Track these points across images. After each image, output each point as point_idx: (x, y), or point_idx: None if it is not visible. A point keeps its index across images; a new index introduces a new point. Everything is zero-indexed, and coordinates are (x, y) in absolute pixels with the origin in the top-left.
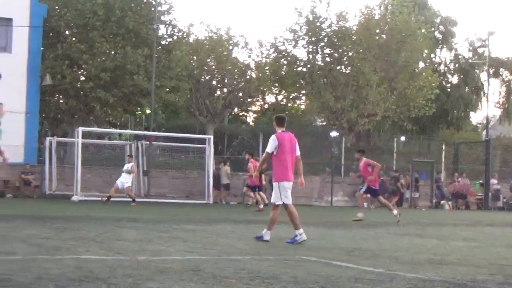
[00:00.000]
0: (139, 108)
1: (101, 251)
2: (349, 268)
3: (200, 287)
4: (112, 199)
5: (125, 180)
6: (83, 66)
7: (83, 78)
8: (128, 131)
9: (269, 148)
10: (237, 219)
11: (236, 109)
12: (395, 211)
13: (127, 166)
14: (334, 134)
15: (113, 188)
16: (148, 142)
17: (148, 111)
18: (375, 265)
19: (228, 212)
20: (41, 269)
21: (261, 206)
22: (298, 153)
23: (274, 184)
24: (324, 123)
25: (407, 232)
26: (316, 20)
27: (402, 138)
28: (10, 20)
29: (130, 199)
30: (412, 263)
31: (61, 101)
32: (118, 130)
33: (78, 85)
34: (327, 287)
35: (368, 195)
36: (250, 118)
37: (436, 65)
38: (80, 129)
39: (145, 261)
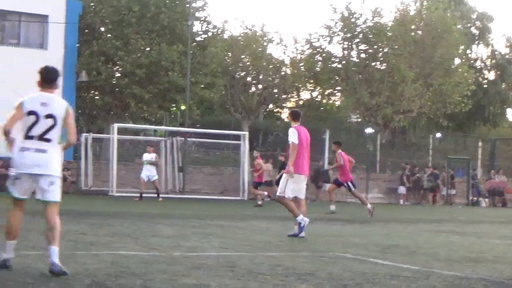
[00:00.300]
0: (174, 104)
1: (137, 247)
2: (384, 265)
3: (235, 283)
4: (144, 195)
5: (151, 173)
6: (118, 62)
7: (118, 75)
8: (163, 127)
9: (294, 139)
10: (272, 216)
11: (271, 106)
12: (369, 205)
13: (150, 156)
14: (369, 130)
15: (141, 184)
16: (183, 138)
17: (183, 107)
18: (411, 262)
19: (263, 209)
20: (78, 265)
21: (260, 202)
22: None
23: (285, 175)
24: (359, 120)
25: (443, 229)
26: (351, 16)
27: (438, 135)
28: (46, 17)
29: (155, 194)
30: (448, 261)
31: (96, 97)
32: (153, 126)
33: (114, 82)
34: (363, 284)
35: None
36: (285, 115)
37: (472, 61)
38: (116, 125)
39: (181, 257)
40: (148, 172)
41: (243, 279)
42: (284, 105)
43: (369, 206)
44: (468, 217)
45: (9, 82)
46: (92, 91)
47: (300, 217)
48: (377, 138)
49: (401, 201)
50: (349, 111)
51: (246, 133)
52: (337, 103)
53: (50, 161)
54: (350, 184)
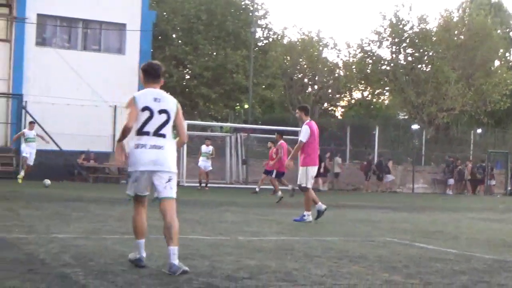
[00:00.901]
0: (238, 103)
1: (204, 231)
2: (429, 249)
3: (293, 265)
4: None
5: (207, 164)
6: (188, 65)
7: (188, 77)
8: (228, 124)
9: (304, 138)
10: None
11: (325, 104)
12: (279, 193)
13: (208, 149)
14: (415, 127)
15: (202, 174)
16: (246, 134)
17: (246, 106)
18: (453, 247)
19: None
20: (152, 247)
21: (257, 189)
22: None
23: (303, 168)
24: (406, 117)
25: (484, 216)
26: (399, 23)
27: (479, 131)
28: (124, 25)
29: (204, 184)
30: (488, 245)
31: None
32: (219, 123)
33: (184, 83)
34: (409, 266)
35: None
36: (338, 112)
37: (511, 63)
38: (186, 122)
39: (244, 241)
40: (204, 163)
41: (300, 261)
42: (337, 103)
43: (279, 193)
44: (506, 206)
45: (92, 84)
46: (165, 92)
47: (319, 204)
48: (422, 134)
49: (449, 191)
50: (397, 109)
51: None
52: (386, 102)
53: (166, 157)
54: (275, 172)
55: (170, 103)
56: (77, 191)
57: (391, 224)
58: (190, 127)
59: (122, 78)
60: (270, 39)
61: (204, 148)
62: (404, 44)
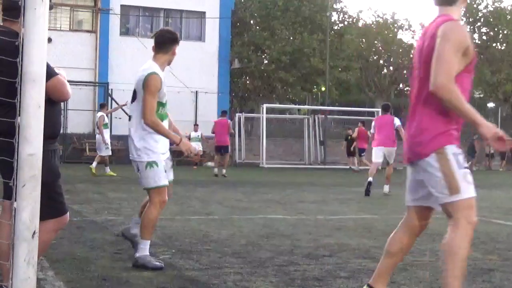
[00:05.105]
0: (315, 86)
1: (284, 211)
2: (507, 225)
3: (372, 243)
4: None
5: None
6: (266, 51)
7: (266, 62)
8: (306, 107)
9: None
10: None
11: (401, 85)
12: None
13: (196, 134)
14: (491, 105)
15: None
16: (323, 116)
17: (323, 89)
18: None
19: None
20: (234, 227)
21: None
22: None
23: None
24: (482, 95)
25: None
26: (473, 2)
27: None
28: (203, 13)
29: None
30: None
31: (247, 82)
32: (297, 106)
33: (262, 68)
34: (489, 243)
35: None
36: None
37: None
38: (265, 106)
39: (323, 220)
40: (196, 147)
41: (379, 239)
42: None
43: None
44: None
45: (174, 71)
46: (244, 77)
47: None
48: (498, 112)
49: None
50: (472, 88)
51: (379, 109)
52: None
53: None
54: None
55: None
56: None
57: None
58: (269, 110)
59: (203, 64)
60: (346, 23)
61: (193, 133)
62: (479, 23)
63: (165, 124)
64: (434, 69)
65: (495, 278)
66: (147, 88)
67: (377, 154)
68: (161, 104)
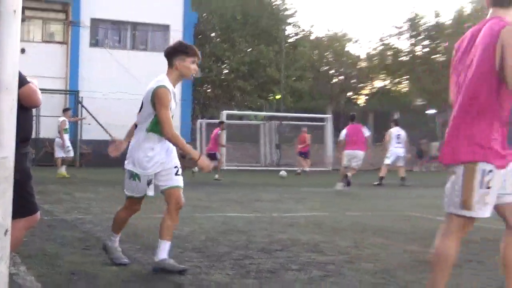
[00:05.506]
0: (271, 94)
1: (242, 209)
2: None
3: (321, 238)
4: (250, 168)
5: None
6: (226, 61)
7: (226, 71)
8: (263, 113)
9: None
10: (359, 183)
11: (349, 93)
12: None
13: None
14: (431, 111)
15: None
16: (278, 122)
17: (278, 97)
18: None
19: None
20: (195, 224)
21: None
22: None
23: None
24: (423, 103)
25: None
26: (416, 17)
27: None
28: (168, 26)
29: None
30: (497, 217)
31: (208, 90)
32: (254, 112)
33: (222, 77)
34: (428, 238)
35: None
36: (362, 100)
37: None
38: (224, 112)
39: (277, 217)
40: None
41: (327, 234)
42: (360, 92)
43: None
44: None
45: (140, 80)
46: (205, 85)
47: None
48: (436, 118)
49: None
50: (414, 96)
51: (330, 116)
52: (405, 90)
53: None
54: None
55: None
56: None
57: (413, 199)
58: (228, 117)
59: None
60: (299, 36)
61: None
62: (421, 37)
63: None
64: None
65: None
66: (159, 101)
67: (347, 157)
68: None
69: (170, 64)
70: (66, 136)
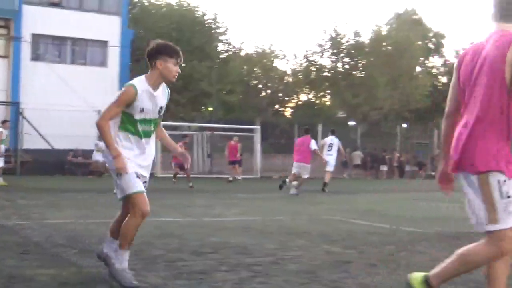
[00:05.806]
0: (203, 107)
1: (176, 214)
2: (364, 225)
3: (250, 240)
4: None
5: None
6: None
7: None
8: (195, 124)
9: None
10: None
11: (277, 106)
12: (190, 183)
13: (101, 144)
14: (351, 123)
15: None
16: (210, 132)
17: (210, 109)
18: (383, 222)
19: (273, 183)
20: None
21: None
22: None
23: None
24: (344, 115)
25: (409, 196)
26: (337, 37)
27: (404, 125)
28: (106, 42)
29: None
30: (411, 221)
31: None
32: (187, 123)
33: None
34: (348, 239)
35: None
36: (288, 112)
37: (429, 69)
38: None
39: (209, 221)
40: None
41: (256, 237)
42: (286, 105)
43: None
44: (427, 187)
45: (79, 92)
46: None
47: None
48: (357, 129)
49: (383, 176)
50: (336, 109)
51: (258, 127)
52: (328, 103)
53: None
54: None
55: None
56: (67, 183)
57: (334, 205)
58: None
59: (106, 86)
60: (230, 52)
61: (101, 143)
62: (342, 54)
63: (151, 143)
64: None
65: (351, 269)
66: (116, 96)
67: (295, 167)
68: (142, 121)
69: (151, 65)
70: (2, 147)
